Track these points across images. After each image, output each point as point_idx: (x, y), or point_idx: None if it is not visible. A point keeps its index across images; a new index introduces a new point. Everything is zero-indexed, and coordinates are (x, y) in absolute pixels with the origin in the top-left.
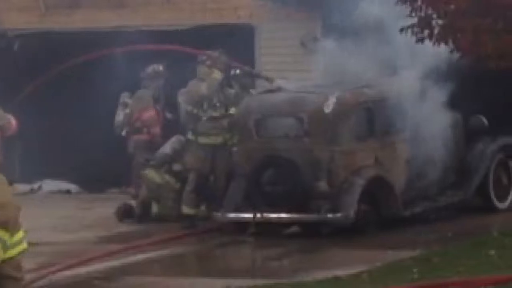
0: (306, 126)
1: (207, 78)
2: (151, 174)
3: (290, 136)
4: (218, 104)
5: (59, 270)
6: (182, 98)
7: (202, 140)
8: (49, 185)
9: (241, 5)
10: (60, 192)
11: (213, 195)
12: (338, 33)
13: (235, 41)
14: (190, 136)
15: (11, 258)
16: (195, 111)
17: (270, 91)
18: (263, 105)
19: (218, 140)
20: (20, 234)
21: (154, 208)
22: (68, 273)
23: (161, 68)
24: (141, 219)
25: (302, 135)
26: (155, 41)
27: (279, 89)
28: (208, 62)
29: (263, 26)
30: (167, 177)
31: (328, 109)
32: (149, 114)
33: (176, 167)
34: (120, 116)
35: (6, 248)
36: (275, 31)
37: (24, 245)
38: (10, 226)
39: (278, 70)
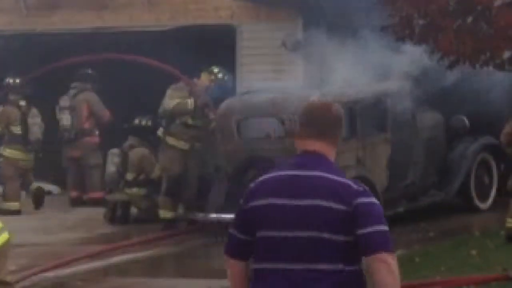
0: (288, 127)
1: (182, 98)
2: (117, 195)
3: (272, 137)
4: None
5: (41, 272)
6: (169, 92)
7: (170, 141)
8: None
9: (222, 5)
10: None
11: (189, 196)
12: (319, 33)
13: (216, 41)
14: (160, 133)
15: None
16: (161, 110)
17: (252, 92)
18: (245, 106)
19: (186, 146)
20: None
21: (133, 211)
22: (50, 274)
23: (89, 71)
24: (122, 220)
25: (284, 135)
26: (136, 42)
27: (260, 90)
28: (188, 88)
29: (244, 27)
30: (129, 190)
31: None
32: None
33: (129, 176)
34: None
35: None
36: (256, 32)
37: None
38: None
39: (259, 71)
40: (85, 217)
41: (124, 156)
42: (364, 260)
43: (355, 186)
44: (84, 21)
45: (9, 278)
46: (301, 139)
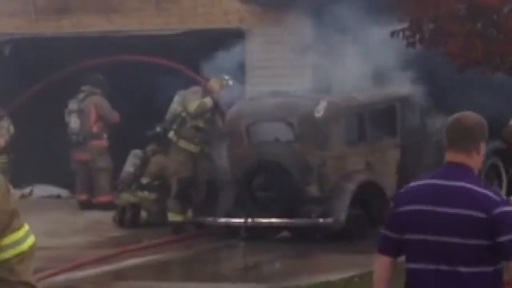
0: (297, 131)
1: (199, 99)
2: (125, 196)
3: (281, 141)
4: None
5: (51, 275)
6: (177, 98)
7: (182, 144)
8: (39, 189)
9: (231, 9)
10: (50, 197)
11: (198, 200)
12: (328, 37)
13: (225, 45)
14: (171, 136)
15: (4, 261)
16: (183, 114)
17: (261, 96)
18: (254, 110)
19: (196, 149)
20: (12, 237)
21: (143, 214)
22: (60, 278)
23: (99, 76)
24: (132, 223)
25: (293, 140)
26: (146, 46)
27: (269, 94)
28: (202, 91)
29: (253, 31)
30: (140, 193)
31: (319, 113)
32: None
33: (144, 180)
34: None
35: None
36: (265, 36)
37: (20, 248)
38: None
39: (268, 75)
40: (94, 221)
41: (145, 160)
42: (505, 264)
43: (495, 197)
44: (93, 25)
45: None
46: (449, 151)
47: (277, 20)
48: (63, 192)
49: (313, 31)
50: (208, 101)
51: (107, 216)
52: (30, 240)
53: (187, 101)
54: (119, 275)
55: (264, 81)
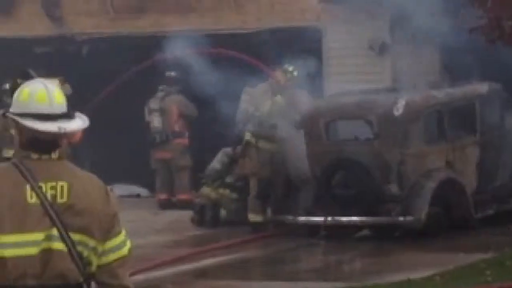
0: (376, 129)
1: (271, 99)
2: (206, 191)
3: (360, 139)
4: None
5: (132, 274)
6: (245, 97)
7: (262, 144)
8: (119, 189)
9: (308, 7)
10: (130, 196)
11: (277, 199)
12: (406, 35)
13: (302, 44)
14: (249, 138)
15: (106, 265)
16: (257, 113)
17: (339, 94)
18: (333, 108)
19: (275, 148)
20: (114, 241)
21: (223, 213)
22: (140, 277)
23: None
24: (212, 222)
25: (372, 138)
26: (223, 45)
27: (347, 92)
28: (272, 88)
29: (330, 29)
30: (222, 190)
31: (397, 111)
32: None
33: (229, 179)
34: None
35: (98, 254)
36: (342, 33)
37: (121, 253)
38: (96, 232)
39: (345, 72)
40: (174, 220)
41: (233, 160)
42: None
43: None
44: (170, 24)
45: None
46: None
47: (354, 17)
48: (143, 191)
49: (391, 28)
50: (279, 99)
51: (187, 215)
52: (129, 244)
53: (258, 101)
54: (199, 274)
55: (342, 79)
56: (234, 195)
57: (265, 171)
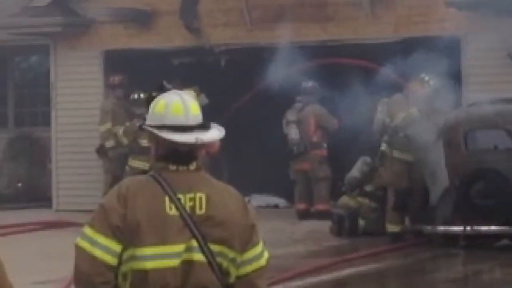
0: None
1: (405, 110)
2: (345, 200)
3: (500, 149)
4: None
5: (271, 285)
6: (381, 107)
7: (397, 154)
8: (257, 200)
9: (447, 17)
10: (268, 206)
11: (415, 209)
12: None
13: (441, 53)
14: (384, 148)
15: (244, 276)
16: (392, 124)
17: (478, 103)
18: (472, 118)
19: (411, 157)
20: (252, 252)
21: (361, 222)
22: (279, 287)
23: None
24: (350, 232)
25: None
26: (358, 55)
27: (487, 102)
28: (407, 99)
29: (469, 37)
30: (361, 199)
31: None
32: None
33: (368, 188)
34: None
35: (237, 265)
36: (481, 42)
37: (259, 263)
38: (235, 243)
39: (485, 82)
40: (312, 230)
41: (373, 169)
42: None
43: None
44: (308, 34)
45: None
46: None
47: (494, 27)
48: (281, 202)
49: None
50: (414, 112)
51: (325, 225)
52: (267, 254)
53: (393, 112)
54: (338, 284)
55: (482, 88)
56: (373, 204)
57: (401, 181)
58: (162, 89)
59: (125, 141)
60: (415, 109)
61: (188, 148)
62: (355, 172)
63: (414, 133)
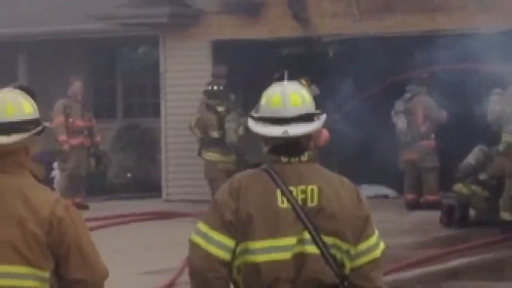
0: None
1: None
2: (458, 186)
3: None
4: None
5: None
6: (497, 98)
7: None
8: (366, 190)
9: None
10: (377, 197)
11: None
12: None
13: None
14: (509, 138)
15: (359, 268)
16: None
17: None
18: None
19: None
20: (366, 244)
21: (472, 212)
22: (389, 278)
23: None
24: (461, 223)
25: None
26: (467, 45)
27: None
28: None
29: None
30: (474, 187)
31: None
32: None
33: (482, 176)
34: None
35: (351, 257)
36: None
37: (373, 255)
38: (348, 235)
39: None
40: (421, 220)
41: (489, 157)
42: None
43: None
44: (417, 24)
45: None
46: None
47: None
48: (391, 192)
49: None
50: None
51: (435, 215)
52: (382, 245)
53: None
54: (448, 274)
55: None
56: (486, 193)
57: None
58: (281, 79)
59: (197, 133)
60: None
61: (283, 141)
62: (471, 159)
63: None
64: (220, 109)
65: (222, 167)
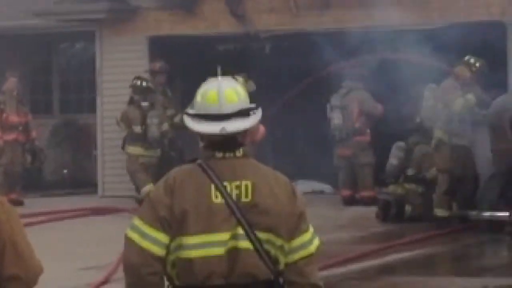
0: None
1: (462, 96)
2: (392, 188)
3: None
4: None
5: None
6: (430, 94)
7: (456, 141)
8: (302, 185)
9: (494, 2)
10: (313, 192)
11: (465, 195)
12: None
13: (486, 39)
14: (440, 135)
15: (293, 263)
16: (446, 111)
17: None
18: None
19: (466, 142)
20: (300, 240)
21: (407, 208)
22: (323, 273)
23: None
24: (396, 218)
25: None
26: (405, 40)
27: None
28: (460, 85)
29: None
30: (407, 185)
31: None
32: None
33: (410, 172)
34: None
35: (285, 253)
36: None
37: (307, 251)
38: (282, 231)
39: None
40: (357, 216)
41: (409, 151)
42: None
43: None
44: (354, 20)
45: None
46: None
47: None
48: (326, 188)
49: None
50: (471, 98)
51: (371, 211)
52: (316, 241)
53: (449, 98)
54: (384, 270)
55: None
56: (420, 188)
57: (457, 167)
58: (215, 75)
59: (122, 127)
60: (471, 95)
61: (221, 137)
62: (393, 160)
63: (468, 118)
64: (143, 104)
65: (143, 161)
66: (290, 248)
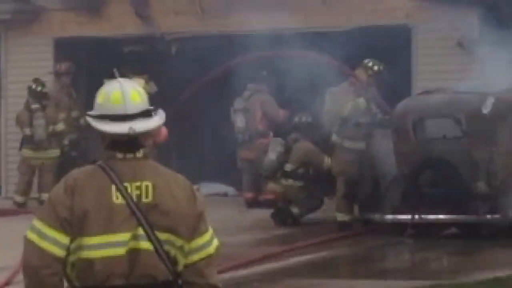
0: (464, 127)
1: (352, 100)
2: (270, 186)
3: (448, 137)
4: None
5: (219, 273)
6: (329, 97)
7: (347, 144)
8: (206, 188)
9: (398, 6)
10: (217, 195)
11: (364, 198)
12: (496, 32)
13: (392, 42)
14: (335, 138)
15: (192, 264)
16: (339, 114)
17: (428, 92)
18: (421, 106)
19: (361, 146)
20: (200, 240)
21: (294, 209)
22: (227, 275)
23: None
24: (286, 221)
25: (460, 136)
26: (311, 43)
27: (436, 91)
28: (354, 89)
29: (419, 27)
30: (285, 181)
31: (486, 110)
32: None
33: (288, 167)
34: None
35: (185, 253)
36: (431, 32)
37: (207, 252)
38: (182, 232)
39: (435, 71)
40: (261, 218)
41: (287, 148)
42: None
43: None
44: (259, 23)
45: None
46: None
47: (444, 16)
48: (230, 190)
49: (480, 26)
50: (361, 102)
51: None
52: (216, 242)
53: (342, 101)
54: (286, 272)
55: (431, 77)
56: (299, 183)
57: (352, 170)
58: (112, 78)
59: (19, 129)
60: (362, 99)
61: (127, 138)
62: (271, 155)
63: (362, 121)
64: (33, 106)
65: (36, 164)
66: (189, 248)
